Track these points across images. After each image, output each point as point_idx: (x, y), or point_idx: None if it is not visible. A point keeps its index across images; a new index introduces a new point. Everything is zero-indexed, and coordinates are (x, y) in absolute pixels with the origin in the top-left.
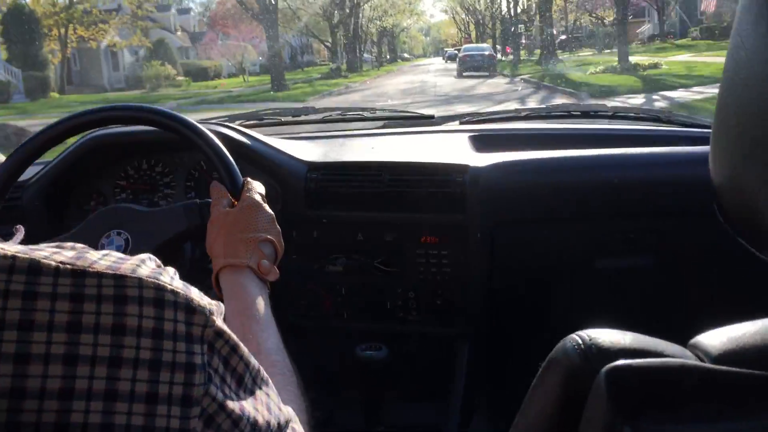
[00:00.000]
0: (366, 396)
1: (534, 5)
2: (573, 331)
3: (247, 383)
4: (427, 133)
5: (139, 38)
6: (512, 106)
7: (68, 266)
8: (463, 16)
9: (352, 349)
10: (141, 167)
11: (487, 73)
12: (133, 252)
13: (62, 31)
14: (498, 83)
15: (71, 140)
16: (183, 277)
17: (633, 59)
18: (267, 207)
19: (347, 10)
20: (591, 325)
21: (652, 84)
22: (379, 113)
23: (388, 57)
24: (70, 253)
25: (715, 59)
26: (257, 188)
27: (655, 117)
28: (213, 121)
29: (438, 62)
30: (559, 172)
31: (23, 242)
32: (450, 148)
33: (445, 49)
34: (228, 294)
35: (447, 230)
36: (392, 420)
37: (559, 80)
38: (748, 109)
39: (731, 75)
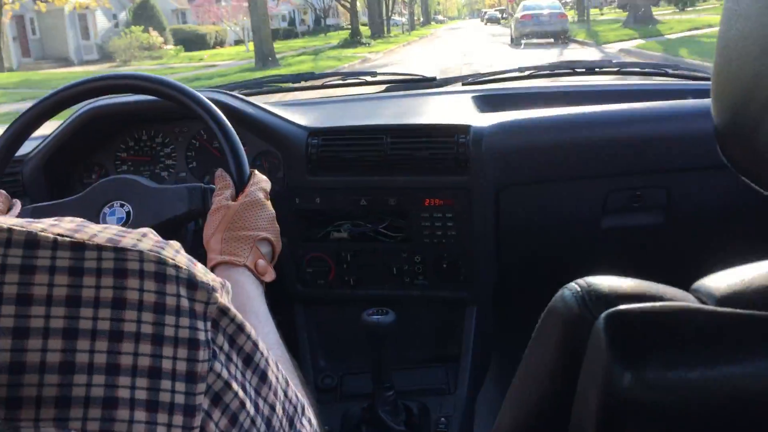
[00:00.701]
0: (375, 361)
1: None
2: None
3: (258, 363)
4: (429, 95)
5: None
6: None
7: (67, 239)
8: None
9: (359, 316)
10: (141, 138)
11: (556, 41)
12: (133, 226)
13: None
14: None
15: (68, 112)
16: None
17: None
18: (269, 204)
19: None
20: None
21: None
22: (380, 77)
23: (420, 19)
24: (68, 225)
25: None
26: (262, 183)
27: (662, 71)
28: (212, 88)
29: (476, 25)
30: (564, 131)
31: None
32: (452, 110)
33: (484, 11)
34: None
35: (451, 192)
36: (402, 384)
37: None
38: (748, 43)
39: (731, 7)
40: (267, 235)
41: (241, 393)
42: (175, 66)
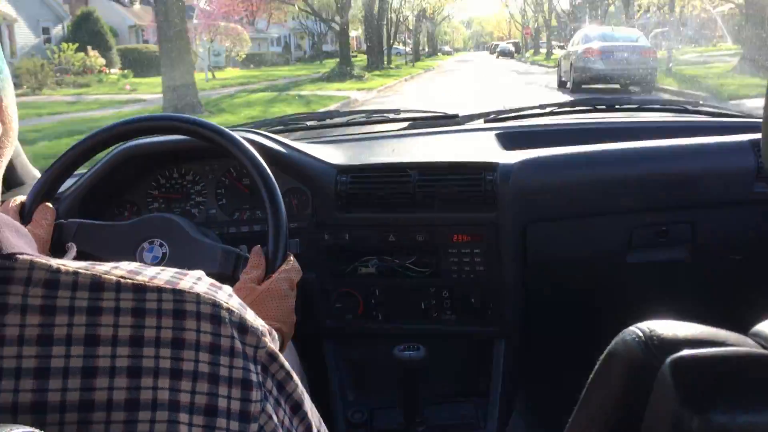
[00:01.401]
0: (405, 396)
1: None
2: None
3: (306, 413)
4: (453, 132)
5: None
6: None
7: (129, 281)
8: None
9: (388, 350)
10: (172, 176)
11: (638, 88)
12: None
13: None
14: None
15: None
16: None
17: None
18: (293, 295)
19: None
20: (626, 320)
21: None
22: (403, 114)
23: (425, 49)
24: (128, 268)
25: None
26: (292, 273)
27: (682, 108)
28: (242, 128)
29: (485, 58)
30: (589, 167)
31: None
32: (477, 147)
33: (495, 43)
34: None
35: (479, 228)
36: (431, 419)
37: None
38: None
39: None
40: (279, 326)
41: None
42: (85, 100)
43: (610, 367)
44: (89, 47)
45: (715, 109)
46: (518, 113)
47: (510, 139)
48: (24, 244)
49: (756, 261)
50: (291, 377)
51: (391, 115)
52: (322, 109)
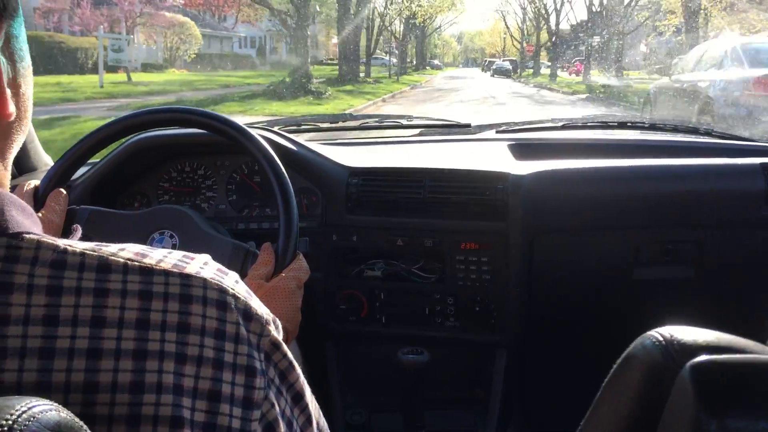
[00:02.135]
0: (405, 400)
1: None
2: (611, 340)
3: (307, 404)
4: (465, 141)
5: None
6: None
7: (136, 263)
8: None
9: (390, 354)
10: (184, 170)
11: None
12: None
13: None
14: None
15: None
16: None
17: None
18: (299, 294)
19: None
20: (629, 335)
21: None
22: (415, 121)
23: (413, 62)
24: (135, 250)
25: None
26: (301, 272)
27: (692, 129)
28: (258, 126)
29: (478, 75)
30: (600, 182)
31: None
32: (489, 157)
33: (490, 60)
34: None
35: (487, 237)
36: (430, 424)
37: None
38: None
39: None
40: (284, 324)
41: (289, 427)
42: None
43: (628, 370)
44: None
45: (725, 132)
46: (531, 125)
47: (522, 150)
48: (30, 224)
49: (762, 283)
50: (293, 367)
51: (404, 121)
52: None
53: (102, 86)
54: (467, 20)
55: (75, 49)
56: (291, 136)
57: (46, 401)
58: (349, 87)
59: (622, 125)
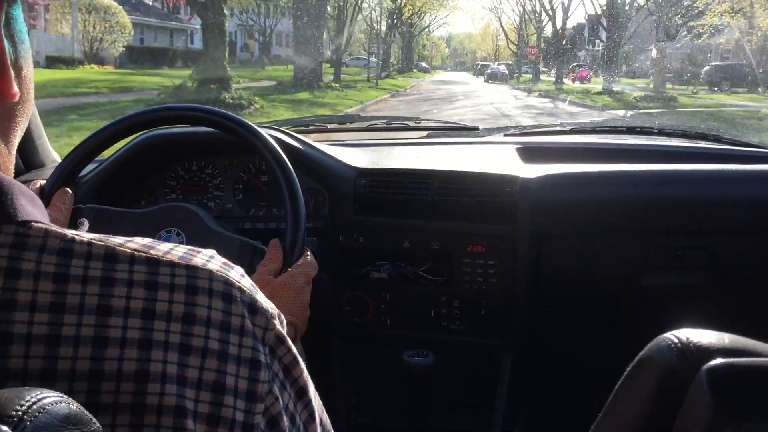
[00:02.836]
0: (410, 402)
1: None
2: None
3: (310, 399)
4: (473, 144)
5: None
6: None
7: (143, 254)
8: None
9: (395, 356)
10: (191, 168)
11: None
12: None
13: None
14: None
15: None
16: None
17: None
18: (308, 290)
19: None
20: (636, 342)
21: None
22: (423, 123)
23: (399, 64)
24: (142, 242)
25: None
26: (309, 268)
27: (702, 135)
28: (266, 125)
29: (471, 80)
30: (609, 186)
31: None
32: (497, 159)
33: (483, 63)
34: None
35: (494, 240)
36: (435, 427)
37: None
38: None
39: None
40: (293, 320)
41: (292, 422)
42: None
43: (642, 373)
44: None
45: (735, 139)
46: (539, 129)
47: (530, 154)
48: (39, 214)
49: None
50: (297, 362)
51: (412, 123)
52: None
53: None
54: (457, 22)
55: None
56: (299, 136)
57: (56, 393)
58: (303, 95)
59: (630, 130)
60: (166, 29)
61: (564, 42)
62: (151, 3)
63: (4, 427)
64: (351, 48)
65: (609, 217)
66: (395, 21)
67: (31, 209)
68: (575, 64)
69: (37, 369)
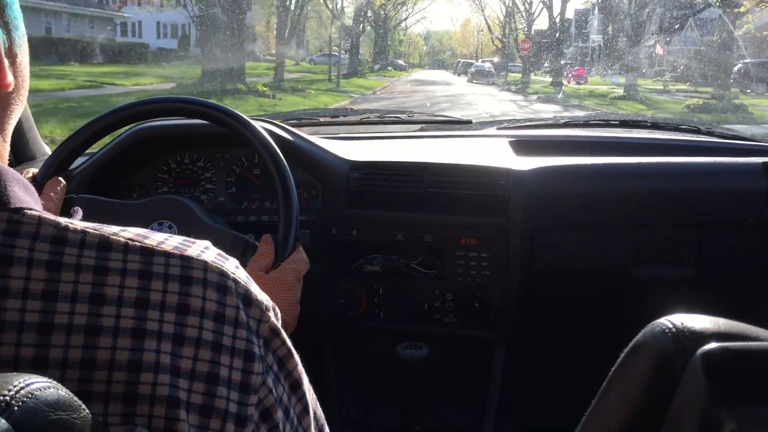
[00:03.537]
0: (403, 395)
1: None
2: (610, 337)
3: (304, 393)
4: (466, 137)
5: None
6: None
7: (137, 243)
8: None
9: (388, 349)
10: (183, 161)
11: None
12: None
13: None
14: None
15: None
16: None
17: None
18: (298, 287)
19: None
20: (628, 333)
21: None
22: (416, 117)
23: (370, 61)
24: (136, 231)
25: None
26: (300, 264)
27: (695, 128)
28: (259, 118)
29: (452, 79)
30: (601, 179)
31: None
32: (490, 152)
33: (465, 61)
34: None
35: (487, 233)
36: (428, 421)
37: None
38: None
39: None
40: (283, 316)
41: (286, 415)
42: None
43: (637, 358)
44: None
45: (728, 132)
46: (532, 123)
47: (523, 146)
48: (32, 202)
49: (763, 283)
50: (292, 355)
51: (405, 117)
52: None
53: None
54: (436, 19)
55: None
56: (292, 129)
57: (45, 378)
58: (227, 98)
59: (624, 123)
60: (85, 16)
61: (558, 35)
62: None
63: None
64: (320, 43)
65: (601, 209)
66: (365, 11)
67: (25, 196)
68: (565, 61)
69: (28, 357)
